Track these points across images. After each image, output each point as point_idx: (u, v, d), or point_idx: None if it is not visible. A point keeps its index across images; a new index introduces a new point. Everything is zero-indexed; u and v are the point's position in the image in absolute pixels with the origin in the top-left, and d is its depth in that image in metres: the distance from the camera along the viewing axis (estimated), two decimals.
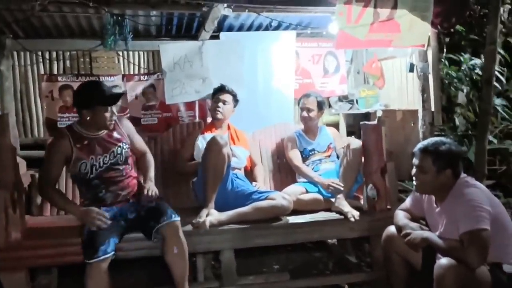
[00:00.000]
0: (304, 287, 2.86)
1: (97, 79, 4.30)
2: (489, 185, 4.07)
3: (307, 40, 4.67)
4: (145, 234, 2.49)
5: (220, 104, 3.23)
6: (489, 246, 1.98)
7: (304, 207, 2.98)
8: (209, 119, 3.44)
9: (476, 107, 4.59)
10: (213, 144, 2.77)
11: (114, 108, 2.51)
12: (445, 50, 4.77)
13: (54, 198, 2.49)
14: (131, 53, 4.55)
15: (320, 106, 3.39)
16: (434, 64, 3.87)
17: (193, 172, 3.05)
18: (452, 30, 3.97)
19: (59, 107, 4.33)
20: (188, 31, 4.50)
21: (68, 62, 4.45)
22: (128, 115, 4.38)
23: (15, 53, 4.33)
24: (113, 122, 2.53)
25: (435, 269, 2.01)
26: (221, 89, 3.30)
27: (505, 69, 4.84)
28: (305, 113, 3.37)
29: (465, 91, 4.73)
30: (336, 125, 4.32)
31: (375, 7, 3.27)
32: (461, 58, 4.75)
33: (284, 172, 3.49)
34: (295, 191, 3.06)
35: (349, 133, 4.60)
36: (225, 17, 4.00)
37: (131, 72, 4.57)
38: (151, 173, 2.66)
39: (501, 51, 4.72)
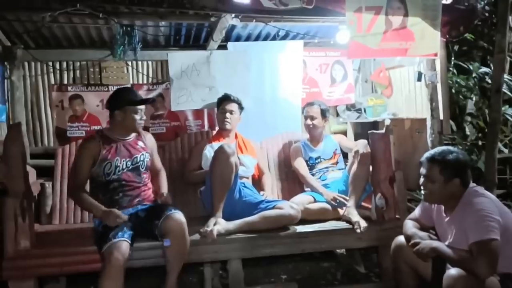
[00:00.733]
0: None
1: (106, 88, 4.35)
2: (500, 195, 4.04)
3: (315, 49, 4.68)
4: (152, 236, 2.51)
5: (228, 114, 3.25)
6: (499, 256, 1.95)
7: (312, 216, 2.96)
8: (216, 128, 3.44)
9: (486, 116, 4.56)
10: (220, 153, 2.78)
11: (144, 114, 2.67)
12: (453, 58, 4.75)
13: (82, 198, 2.53)
14: (140, 63, 4.61)
15: (324, 114, 3.40)
16: (442, 72, 3.85)
17: (201, 181, 3.06)
18: (460, 38, 3.94)
19: (69, 117, 4.40)
20: (196, 41, 4.54)
21: (78, 72, 4.52)
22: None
23: (26, 63, 4.40)
24: (142, 124, 2.68)
25: (444, 280, 1.99)
26: (226, 99, 3.31)
27: None
28: (308, 121, 3.38)
29: (474, 99, 4.70)
30: (344, 134, 4.30)
31: (386, 15, 3.25)
32: (471, 67, 4.72)
33: (292, 181, 3.48)
34: (303, 200, 3.04)
35: None
36: (233, 27, 4.03)
37: (140, 82, 4.62)
38: (165, 189, 2.78)
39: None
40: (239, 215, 2.81)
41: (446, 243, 2.18)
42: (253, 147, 3.37)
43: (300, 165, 3.32)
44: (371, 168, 3.01)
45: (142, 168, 2.66)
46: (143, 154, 2.68)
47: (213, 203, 2.80)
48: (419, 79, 3.86)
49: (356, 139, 4.61)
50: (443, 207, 2.26)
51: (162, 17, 3.70)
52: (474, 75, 4.68)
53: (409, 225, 2.39)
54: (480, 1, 3.76)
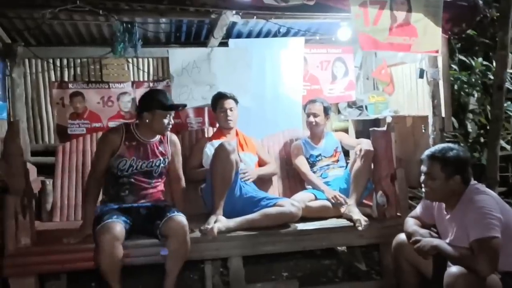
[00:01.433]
0: None
1: (107, 85, 4.34)
2: (502, 192, 4.02)
3: (316, 46, 4.67)
4: (153, 235, 2.52)
5: (229, 112, 3.23)
6: (500, 254, 1.95)
7: (313, 214, 2.96)
8: (217, 125, 3.43)
9: (488, 113, 4.53)
10: (221, 150, 2.78)
11: (172, 118, 2.67)
12: (457, 54, 4.72)
13: (87, 191, 2.61)
14: (140, 60, 4.58)
15: (326, 111, 3.40)
16: (444, 69, 3.83)
17: (202, 179, 3.06)
18: (462, 35, 3.92)
19: (70, 114, 4.39)
20: (197, 38, 4.52)
21: (78, 69, 4.51)
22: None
23: (26, 60, 4.39)
24: (169, 128, 2.68)
25: (445, 278, 1.98)
26: (222, 97, 3.27)
27: None
28: (311, 118, 3.37)
29: (476, 96, 4.68)
30: (345, 131, 4.29)
31: (391, 9, 3.25)
32: (473, 63, 4.70)
33: (293, 179, 3.48)
34: (304, 198, 3.04)
35: None
36: (233, 24, 4.02)
37: (141, 79, 4.61)
38: (180, 207, 2.74)
39: None
40: (240, 212, 2.81)
41: (447, 240, 2.17)
42: (253, 144, 3.36)
43: (301, 162, 3.31)
44: (372, 166, 3.00)
45: (155, 173, 2.66)
46: (159, 160, 2.67)
47: (213, 201, 2.79)
48: (421, 76, 3.84)
49: (357, 136, 4.60)
50: (444, 205, 2.26)
51: (163, 14, 3.69)
52: (477, 71, 4.65)
53: (410, 223, 2.38)
54: None
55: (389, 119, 3.97)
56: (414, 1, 3.30)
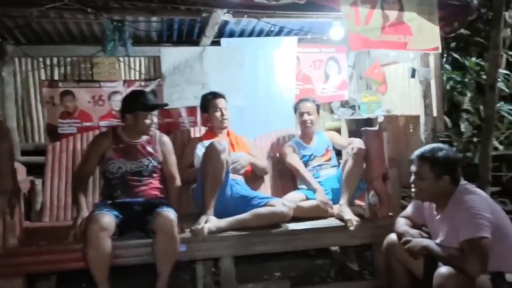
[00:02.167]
0: None
1: (98, 84, 4.31)
2: (496, 192, 4.02)
3: (309, 46, 4.66)
4: (144, 230, 2.53)
5: (224, 111, 3.21)
6: (490, 254, 1.94)
7: (304, 214, 2.94)
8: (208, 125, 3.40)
9: (481, 113, 4.53)
10: (211, 150, 2.76)
11: (155, 118, 2.74)
12: (451, 53, 4.71)
13: (74, 191, 2.69)
14: (132, 59, 4.57)
15: (318, 110, 3.44)
16: (436, 69, 3.83)
17: (193, 179, 3.03)
18: (454, 34, 3.92)
19: (60, 113, 4.34)
20: (189, 37, 4.50)
21: (69, 68, 4.48)
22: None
23: (16, 59, 4.36)
24: (153, 129, 2.75)
25: (435, 278, 1.97)
26: (215, 96, 3.24)
27: None
28: (306, 117, 3.36)
29: (468, 95, 4.68)
30: (337, 131, 4.28)
31: (382, 9, 3.24)
32: (466, 62, 4.70)
33: (285, 179, 3.46)
34: (295, 198, 3.03)
35: None
36: (226, 23, 3.99)
37: (132, 78, 4.58)
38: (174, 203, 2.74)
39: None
40: (232, 212, 2.79)
41: (438, 241, 2.17)
42: (245, 143, 3.34)
43: (294, 160, 3.28)
44: (364, 165, 2.99)
45: (145, 173, 2.70)
46: (148, 159, 2.71)
47: (204, 201, 2.77)
48: (413, 76, 3.83)
49: (350, 136, 4.60)
50: (434, 205, 2.25)
51: (154, 13, 3.64)
52: (470, 71, 4.65)
53: (401, 223, 2.37)
54: None
55: (381, 119, 3.96)
56: (406, 0, 3.29)
